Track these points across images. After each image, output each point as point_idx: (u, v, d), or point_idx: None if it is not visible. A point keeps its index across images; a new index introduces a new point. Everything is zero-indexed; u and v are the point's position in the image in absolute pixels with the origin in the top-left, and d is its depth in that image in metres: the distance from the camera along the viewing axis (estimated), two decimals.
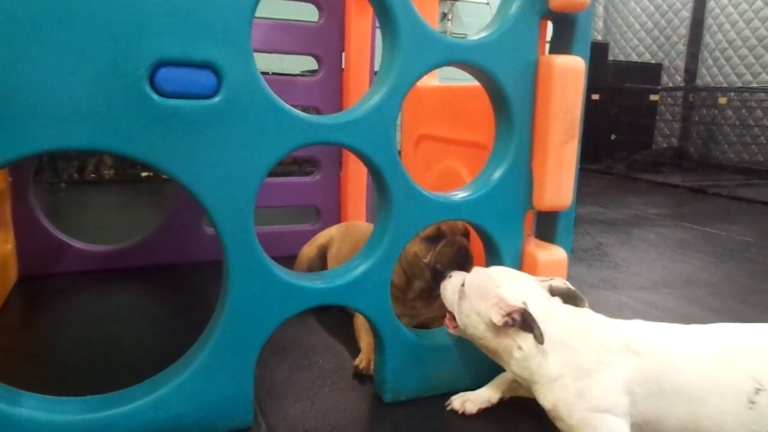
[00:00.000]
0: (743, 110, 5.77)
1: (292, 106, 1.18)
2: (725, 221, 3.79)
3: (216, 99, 1.09)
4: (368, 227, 1.88)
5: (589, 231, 3.40)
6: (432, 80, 1.99)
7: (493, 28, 1.31)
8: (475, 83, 1.44)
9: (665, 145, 6.50)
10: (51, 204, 3.61)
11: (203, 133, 1.09)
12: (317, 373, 1.53)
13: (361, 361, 1.51)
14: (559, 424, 1.21)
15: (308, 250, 2.06)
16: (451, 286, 1.33)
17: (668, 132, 6.63)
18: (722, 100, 5.47)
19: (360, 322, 1.65)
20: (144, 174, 4.56)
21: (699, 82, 6.35)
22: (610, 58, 6.70)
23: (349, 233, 1.99)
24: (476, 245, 1.54)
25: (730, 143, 5.94)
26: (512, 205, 1.40)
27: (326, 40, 2.43)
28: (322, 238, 2.08)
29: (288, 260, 1.75)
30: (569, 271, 1.38)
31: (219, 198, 1.12)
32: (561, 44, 1.38)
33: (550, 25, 1.41)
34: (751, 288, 2.39)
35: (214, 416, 1.20)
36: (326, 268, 1.97)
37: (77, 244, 2.25)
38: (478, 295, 1.24)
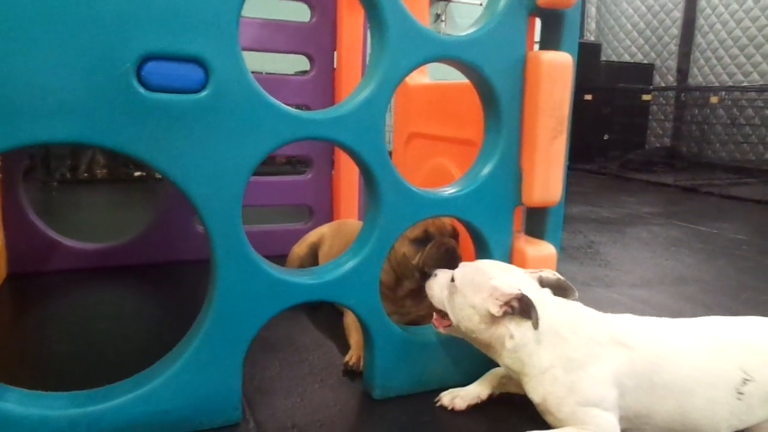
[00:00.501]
0: (734, 109, 5.80)
1: (285, 104, 1.18)
2: (717, 219, 3.80)
3: (203, 93, 1.09)
4: (360, 225, 1.87)
5: (581, 230, 3.41)
6: (422, 78, 1.99)
7: (481, 25, 1.32)
8: (465, 80, 1.45)
9: (658, 145, 6.53)
10: (43, 203, 3.60)
11: (191, 127, 1.09)
12: (307, 370, 1.53)
13: (351, 357, 1.51)
14: (548, 418, 1.22)
15: (299, 249, 2.06)
16: (438, 284, 1.33)
17: (661, 132, 6.65)
18: (713, 99, 5.50)
19: (350, 319, 1.65)
20: (137, 173, 4.54)
21: (691, 81, 6.38)
22: (603, 58, 6.71)
23: (340, 231, 1.99)
24: (465, 244, 1.55)
25: (722, 142, 5.96)
26: (501, 200, 1.40)
27: (318, 40, 2.44)
28: (313, 236, 2.08)
29: (280, 259, 1.75)
30: (561, 269, 1.38)
31: (206, 192, 1.12)
32: (549, 41, 1.39)
33: (539, 23, 1.41)
34: (742, 284, 2.40)
35: (201, 411, 1.20)
36: None
37: (68, 241, 2.24)
38: (471, 288, 1.24)
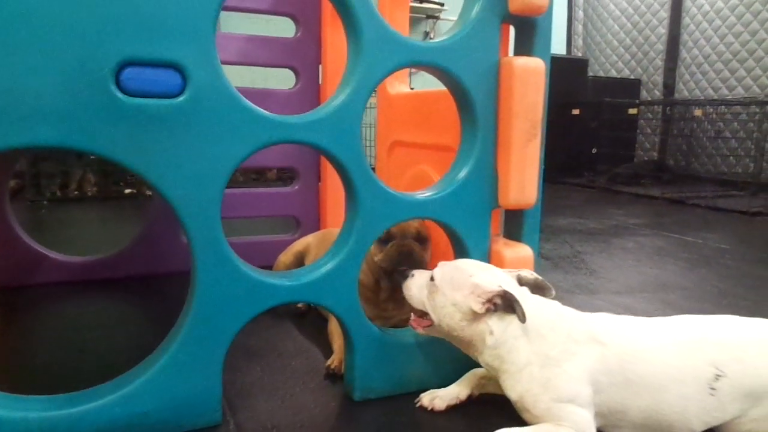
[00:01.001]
0: (720, 123, 5.87)
1: None
2: (702, 230, 3.84)
3: (181, 98, 1.12)
4: None
5: (567, 240, 3.44)
6: (403, 87, 2.03)
7: (455, 31, 1.35)
8: (444, 88, 1.48)
9: (646, 159, 6.59)
10: (32, 221, 3.60)
11: (169, 131, 1.12)
12: (289, 374, 1.53)
13: (333, 361, 1.53)
14: (524, 416, 1.23)
15: (285, 257, 2.07)
16: (416, 284, 1.34)
17: (648, 146, 6.72)
18: (697, 113, 5.57)
19: (333, 325, 1.66)
20: (127, 191, 4.56)
21: (677, 96, 6.46)
22: (590, 74, 6.80)
23: (325, 240, 2.01)
24: (442, 246, 1.57)
25: (708, 156, 6.03)
26: (478, 203, 1.42)
27: (303, 54, 2.48)
28: (299, 245, 2.10)
29: (267, 270, 1.77)
30: (546, 277, 1.39)
31: (185, 195, 1.14)
32: (522, 47, 1.42)
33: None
34: (723, 291, 2.43)
35: (181, 413, 1.21)
36: None
37: (55, 255, 2.25)
38: (452, 286, 1.25)
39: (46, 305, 2.06)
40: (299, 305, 1.99)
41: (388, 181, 1.34)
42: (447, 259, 1.53)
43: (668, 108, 6.27)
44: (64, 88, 1.04)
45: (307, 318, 1.94)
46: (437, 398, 1.37)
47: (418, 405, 1.37)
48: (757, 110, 5.13)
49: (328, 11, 2.34)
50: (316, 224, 2.60)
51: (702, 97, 6.13)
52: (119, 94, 1.07)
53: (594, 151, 6.29)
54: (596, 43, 7.43)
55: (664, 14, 6.63)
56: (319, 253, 1.97)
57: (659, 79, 6.72)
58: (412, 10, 6.09)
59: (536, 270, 1.38)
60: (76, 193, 4.38)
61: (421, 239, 1.63)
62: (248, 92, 1.48)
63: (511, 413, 1.25)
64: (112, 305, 2.12)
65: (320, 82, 2.51)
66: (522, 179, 1.40)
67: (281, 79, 2.92)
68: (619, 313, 1.33)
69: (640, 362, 1.20)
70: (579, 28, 7.66)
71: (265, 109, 1.20)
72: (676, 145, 6.31)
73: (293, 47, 2.48)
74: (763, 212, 4.31)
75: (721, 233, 3.76)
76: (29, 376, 1.51)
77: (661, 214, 4.54)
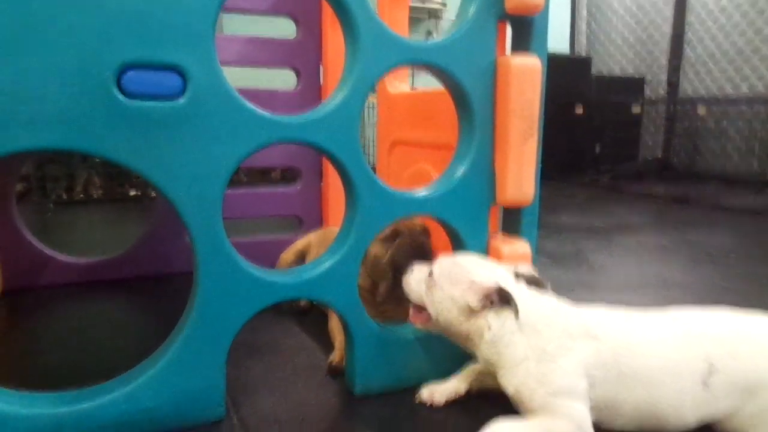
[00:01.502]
0: (724, 121, 5.87)
1: None
2: (706, 228, 3.84)
3: (182, 100, 1.14)
4: None
5: (570, 238, 3.45)
6: (403, 86, 2.05)
7: (452, 31, 1.37)
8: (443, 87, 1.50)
9: (649, 157, 6.59)
10: (39, 223, 3.64)
11: (170, 132, 1.14)
12: (291, 371, 1.56)
13: (334, 357, 1.55)
14: (521, 409, 1.24)
15: (287, 256, 2.10)
16: (416, 278, 1.36)
17: (652, 144, 6.72)
18: (701, 111, 5.57)
19: (334, 322, 1.68)
20: (132, 192, 4.60)
21: (681, 94, 6.45)
22: (594, 72, 6.80)
23: (326, 237, 2.02)
24: (440, 243, 1.58)
25: (713, 154, 6.02)
26: (476, 200, 1.44)
27: (304, 54, 2.50)
28: (300, 243, 2.12)
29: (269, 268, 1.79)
30: (548, 274, 1.40)
31: (187, 194, 1.16)
32: (519, 45, 1.44)
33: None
34: (725, 288, 2.44)
35: (185, 409, 1.23)
36: None
37: (61, 257, 2.28)
38: (450, 281, 1.27)
39: (52, 306, 2.09)
40: (301, 303, 2.01)
41: (388, 180, 1.36)
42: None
43: (672, 106, 6.26)
44: (67, 92, 1.06)
45: (309, 316, 1.96)
46: (436, 393, 1.38)
47: (417, 400, 1.39)
48: (762, 109, 5.12)
49: (329, 12, 2.36)
50: (318, 223, 2.62)
51: (706, 96, 6.13)
52: (121, 97, 1.10)
53: (597, 149, 6.29)
54: (600, 41, 7.42)
55: (668, 12, 6.62)
56: (320, 251, 1.99)
57: (663, 77, 6.70)
58: (415, 9, 6.11)
59: (537, 267, 1.40)
60: (81, 195, 4.42)
61: (428, 234, 1.65)
62: (249, 93, 1.51)
63: (509, 408, 1.27)
64: (118, 305, 2.15)
65: (321, 83, 2.53)
66: (519, 177, 1.42)
67: (284, 80, 2.94)
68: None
69: (634, 356, 1.21)
70: (582, 26, 7.66)
71: (266, 110, 1.22)
72: (680, 143, 6.31)
73: (294, 48, 2.50)
74: None
75: (725, 232, 3.75)
76: (37, 375, 1.53)
77: (664, 212, 4.54)
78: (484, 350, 1.27)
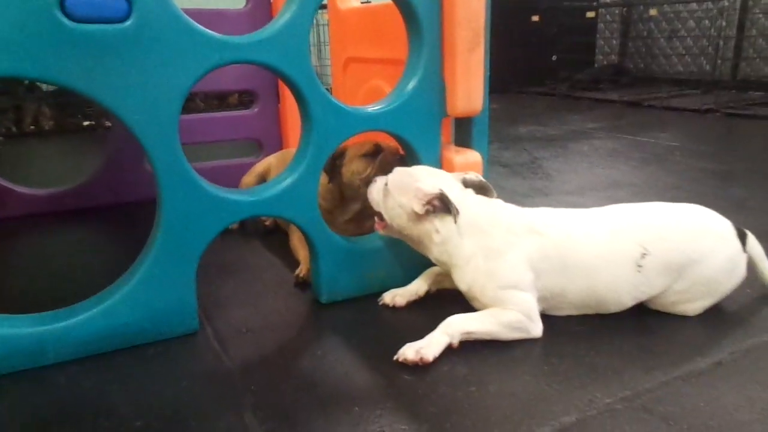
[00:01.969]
0: (677, 22, 5.91)
1: None
2: (656, 130, 3.97)
3: (128, 23, 1.14)
4: None
5: (526, 148, 3.54)
6: (353, 2, 2.03)
7: None
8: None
9: (605, 63, 6.64)
10: None
11: (119, 56, 1.14)
12: (261, 286, 1.64)
13: (301, 270, 1.63)
14: (474, 304, 1.36)
15: (248, 179, 2.13)
16: (376, 188, 1.44)
17: (609, 50, 6.75)
18: (653, 12, 5.59)
19: (296, 238, 1.75)
20: (85, 123, 4.49)
21: None
22: None
23: (286, 159, 2.06)
24: None
25: (666, 56, 6.10)
26: (427, 113, 1.49)
27: None
28: (260, 166, 2.15)
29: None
30: (505, 183, 1.47)
31: (142, 117, 1.19)
32: None
33: None
34: (669, 185, 2.58)
35: (161, 323, 1.31)
36: None
37: (19, 188, 2.27)
38: (399, 190, 1.36)
39: (17, 237, 2.11)
40: (267, 223, 2.07)
41: (344, 99, 1.39)
42: None
43: (625, 9, 6.26)
44: (10, 17, 1.05)
45: (275, 236, 2.03)
46: (398, 296, 1.49)
47: (381, 303, 1.49)
48: (712, 6, 5.17)
49: None
50: (278, 146, 2.64)
51: None
52: (66, 21, 1.09)
53: (554, 58, 6.31)
54: None
55: None
56: (280, 172, 2.04)
57: None
58: None
59: (494, 177, 1.49)
60: (32, 127, 4.30)
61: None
62: (198, 14, 1.49)
63: (466, 305, 1.38)
64: (83, 233, 2.18)
65: (271, 0, 2.48)
66: (468, 88, 1.46)
67: (232, 0, 2.86)
68: None
69: (574, 248, 1.33)
70: None
71: (216, 31, 1.23)
72: (635, 47, 6.35)
73: None
74: (714, 109, 4.46)
75: (673, 132, 3.90)
76: (11, 301, 1.58)
77: (618, 117, 4.66)
78: (435, 252, 1.37)
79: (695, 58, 5.79)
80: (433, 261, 1.40)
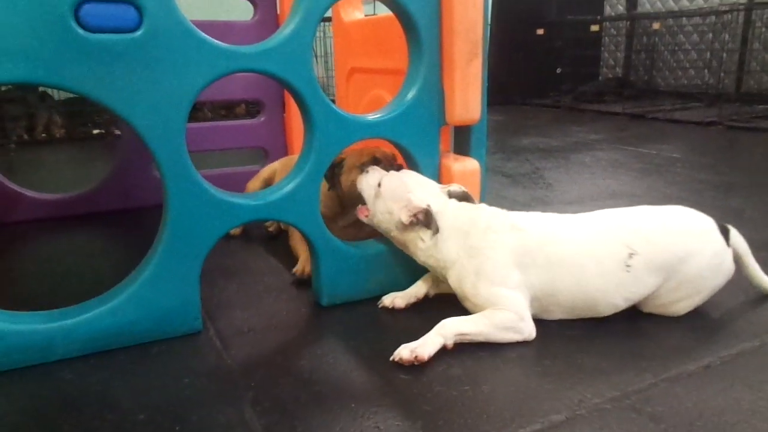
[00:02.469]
0: (680, 35, 5.95)
1: None
2: (658, 142, 4.01)
3: (138, 33, 1.19)
4: None
5: (529, 158, 3.58)
6: (357, 13, 2.08)
7: None
8: None
9: (610, 76, 6.69)
10: (2, 163, 3.63)
11: (129, 64, 1.19)
12: (263, 288, 1.68)
13: (299, 268, 1.68)
14: (466, 305, 1.40)
15: (253, 184, 2.18)
16: (368, 182, 1.50)
17: (613, 62, 6.80)
18: (656, 26, 5.64)
19: (295, 238, 1.81)
20: (95, 131, 4.57)
21: (640, 9, 6.49)
22: None
23: (289, 164, 2.11)
24: None
25: (669, 69, 6.14)
26: (426, 121, 1.54)
27: None
28: (265, 172, 2.20)
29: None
30: (506, 193, 1.51)
31: (150, 123, 1.23)
32: None
33: None
34: (668, 195, 2.61)
35: (165, 322, 1.35)
36: None
37: (31, 193, 2.33)
38: (391, 197, 1.43)
39: (27, 240, 2.16)
40: (270, 228, 2.12)
41: (347, 107, 1.44)
42: None
43: (629, 23, 6.31)
44: (27, 27, 1.10)
45: (278, 241, 2.07)
46: (397, 298, 1.52)
47: (380, 306, 1.52)
48: (716, 20, 5.21)
49: None
50: (283, 153, 2.69)
51: (664, 10, 6.18)
52: (80, 31, 1.14)
53: (558, 70, 6.36)
54: None
55: None
56: (284, 177, 2.08)
57: None
58: None
59: (496, 186, 1.55)
60: (43, 135, 4.38)
61: (397, 160, 1.75)
62: (206, 25, 1.54)
63: (460, 309, 1.41)
64: (91, 237, 2.23)
65: (278, 12, 2.54)
66: (466, 97, 1.51)
67: (241, 12, 2.93)
68: None
69: (558, 244, 1.38)
70: None
71: (224, 42, 1.28)
72: (639, 60, 6.40)
73: None
74: (717, 121, 4.48)
75: (676, 144, 3.93)
76: (21, 300, 1.61)
77: (621, 129, 4.70)
78: (420, 256, 1.44)
79: (699, 71, 5.83)
80: (420, 264, 1.46)
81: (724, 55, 5.31)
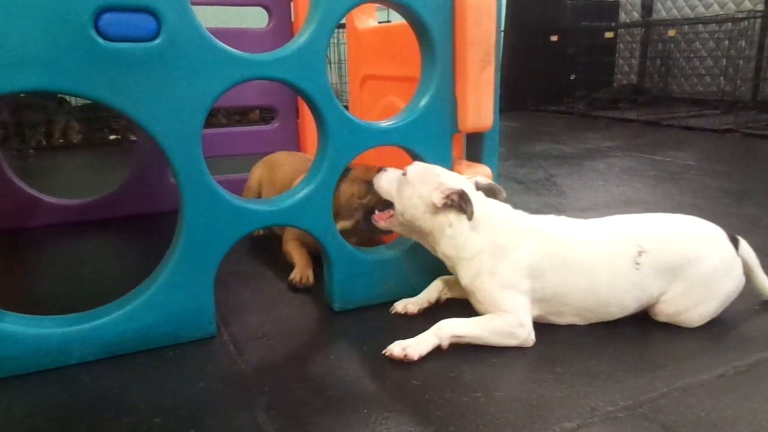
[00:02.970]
0: (696, 42, 5.92)
1: None
2: (673, 149, 3.98)
3: (157, 41, 1.21)
4: (286, 155, 2.17)
5: (542, 165, 3.57)
6: (370, 21, 2.10)
7: None
8: None
9: (625, 82, 6.65)
10: (21, 169, 3.68)
11: (148, 72, 1.22)
12: (276, 293, 1.69)
13: (295, 275, 1.70)
14: (471, 300, 1.42)
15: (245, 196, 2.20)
16: (386, 178, 1.49)
17: (628, 69, 6.77)
18: (671, 33, 5.61)
19: (290, 245, 1.83)
20: (112, 137, 4.62)
21: (655, 16, 6.46)
22: None
23: (272, 164, 2.18)
24: None
25: (685, 76, 6.11)
26: (439, 128, 1.55)
27: None
28: (253, 182, 2.22)
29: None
30: (519, 199, 1.51)
31: (167, 130, 1.25)
32: None
33: None
34: (683, 203, 2.59)
35: (180, 327, 1.36)
36: None
37: (49, 199, 2.36)
38: (421, 181, 1.42)
39: (45, 245, 2.19)
40: (259, 231, 2.14)
41: (361, 114, 1.45)
42: None
43: (644, 30, 6.28)
44: (48, 36, 1.13)
45: None
46: (410, 304, 1.53)
47: (393, 312, 1.53)
48: (732, 27, 5.17)
49: None
50: None
51: (679, 17, 6.15)
52: (99, 40, 1.17)
53: (572, 77, 6.34)
54: None
55: None
56: (271, 177, 2.12)
57: (637, 0, 6.69)
58: None
59: (508, 193, 1.56)
60: (61, 141, 4.44)
61: None
62: (222, 33, 1.57)
63: (470, 313, 1.42)
64: (108, 243, 2.26)
65: (293, 20, 2.57)
66: (478, 105, 1.52)
67: (256, 19, 2.96)
68: None
69: (575, 246, 1.39)
70: None
71: (239, 49, 1.30)
72: (654, 67, 6.36)
73: None
74: (733, 129, 4.45)
75: (691, 151, 3.90)
76: (39, 304, 1.65)
77: (635, 136, 4.67)
78: (443, 245, 1.42)
79: (715, 78, 5.79)
80: (439, 255, 1.46)
81: (741, 62, 5.26)
